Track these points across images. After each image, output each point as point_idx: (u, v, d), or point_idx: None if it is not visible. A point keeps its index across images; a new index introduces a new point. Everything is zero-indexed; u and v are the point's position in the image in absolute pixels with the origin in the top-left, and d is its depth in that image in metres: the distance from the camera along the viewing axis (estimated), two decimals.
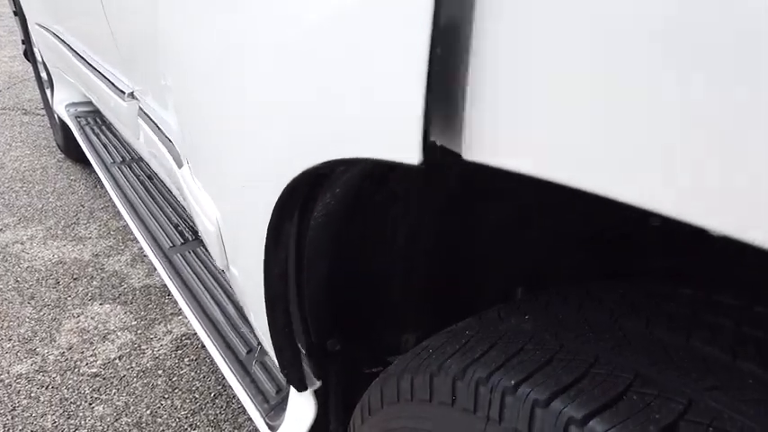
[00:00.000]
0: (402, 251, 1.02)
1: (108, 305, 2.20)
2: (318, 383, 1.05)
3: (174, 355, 1.97)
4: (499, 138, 0.40)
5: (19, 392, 1.83)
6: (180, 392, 1.82)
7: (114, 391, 1.83)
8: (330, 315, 0.99)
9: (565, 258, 1.13)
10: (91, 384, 1.86)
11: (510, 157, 0.40)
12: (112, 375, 1.89)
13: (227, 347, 1.35)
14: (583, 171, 0.36)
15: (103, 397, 1.81)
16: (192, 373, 1.90)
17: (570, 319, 0.65)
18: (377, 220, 0.95)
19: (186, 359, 1.95)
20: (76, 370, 1.92)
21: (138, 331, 2.07)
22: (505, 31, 0.38)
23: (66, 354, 1.99)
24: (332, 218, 0.81)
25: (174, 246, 1.74)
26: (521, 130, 0.38)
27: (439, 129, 0.45)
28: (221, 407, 1.77)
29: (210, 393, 1.82)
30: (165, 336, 2.05)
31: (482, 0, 0.38)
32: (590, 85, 0.34)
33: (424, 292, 1.11)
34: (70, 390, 1.84)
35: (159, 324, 2.10)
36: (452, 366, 0.63)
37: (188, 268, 1.63)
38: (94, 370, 1.92)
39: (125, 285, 2.32)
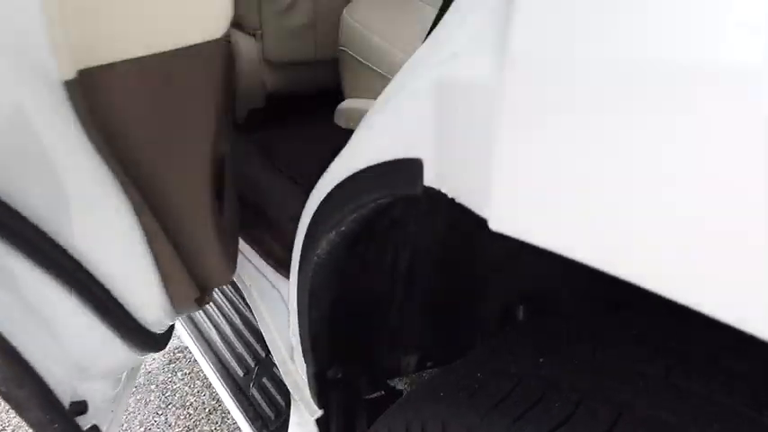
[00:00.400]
0: (403, 275, 1.01)
1: None
2: (320, 412, 1.03)
3: (166, 369, 1.94)
4: (521, 216, 0.38)
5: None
6: (174, 408, 1.80)
7: None
8: (331, 344, 0.97)
9: (566, 277, 1.12)
10: None
11: (531, 234, 0.39)
12: None
13: (224, 368, 1.33)
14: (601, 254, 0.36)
15: None
16: (186, 388, 1.87)
17: (587, 365, 0.63)
18: (378, 246, 0.93)
19: (179, 373, 1.92)
20: None
21: None
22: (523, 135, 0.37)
23: None
24: (334, 254, 0.79)
25: None
26: (541, 212, 0.37)
27: (471, 197, 0.44)
28: (216, 422, 1.75)
29: (205, 409, 1.79)
30: None
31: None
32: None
33: (426, 313, 1.10)
34: None
35: None
36: (467, 416, 0.61)
37: None
38: None
39: None
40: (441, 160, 0.49)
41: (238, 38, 1.58)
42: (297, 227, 1.39)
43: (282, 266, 1.29)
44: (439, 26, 0.55)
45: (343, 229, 0.73)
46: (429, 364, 1.19)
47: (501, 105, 0.38)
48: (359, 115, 1.45)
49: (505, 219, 0.40)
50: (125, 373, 1.16)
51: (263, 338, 1.24)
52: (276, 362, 1.11)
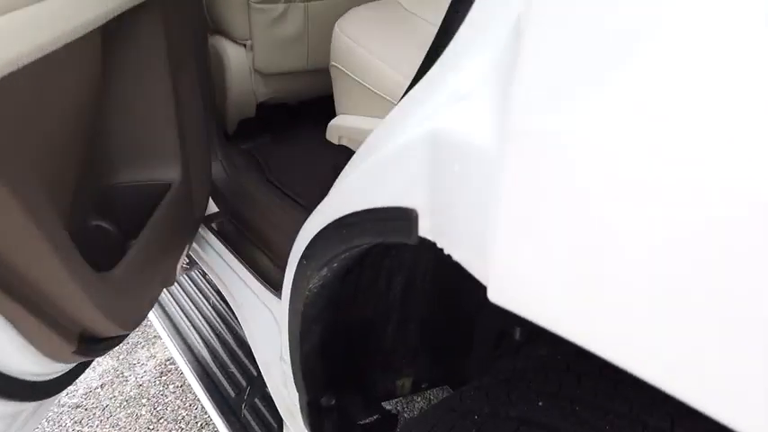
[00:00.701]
0: (398, 299, 0.98)
1: None
2: None
3: (158, 382, 1.91)
4: (521, 294, 0.36)
5: None
6: (165, 422, 1.77)
7: (97, 422, 1.78)
8: (324, 373, 0.94)
9: None
10: (72, 416, 1.80)
11: (531, 313, 0.37)
12: (95, 406, 1.83)
13: (215, 388, 1.31)
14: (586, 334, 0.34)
15: (86, 429, 1.75)
16: (178, 401, 1.84)
17: (587, 411, 0.61)
18: (371, 273, 0.91)
19: (171, 386, 1.90)
20: (57, 401, 1.85)
21: (121, 357, 2.01)
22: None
23: None
24: (327, 287, 0.76)
25: None
26: (541, 293, 0.35)
27: (469, 260, 0.41)
28: None
29: (197, 423, 1.77)
30: (148, 361, 1.99)
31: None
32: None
33: (420, 336, 1.08)
34: (50, 422, 1.78)
35: (142, 348, 2.04)
36: None
37: (173, 301, 1.57)
38: (75, 400, 1.86)
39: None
40: (436, 215, 0.47)
41: (228, 48, 1.55)
42: (288, 243, 1.36)
43: (274, 285, 1.26)
44: (436, 66, 0.52)
45: (335, 265, 0.71)
46: (424, 385, 1.17)
47: (500, 175, 0.36)
48: (351, 133, 1.43)
49: (504, 293, 0.37)
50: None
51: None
52: (269, 387, 1.09)
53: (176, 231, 1.23)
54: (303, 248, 0.72)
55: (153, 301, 1.22)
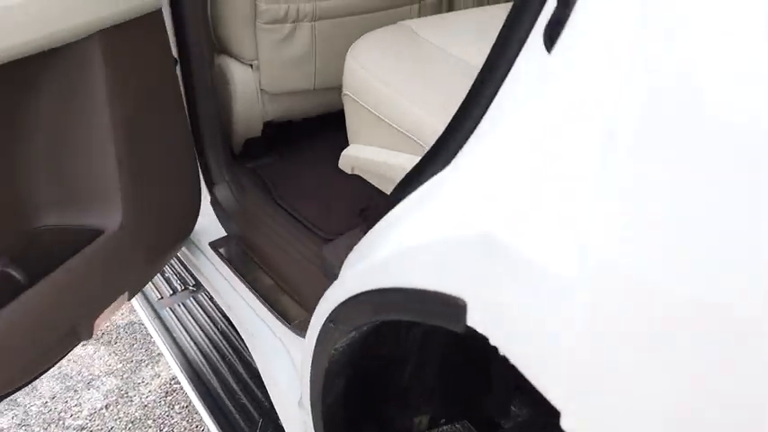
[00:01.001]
0: (417, 343, 0.96)
1: (91, 346, 2.11)
2: None
3: (163, 402, 1.89)
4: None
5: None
6: None
7: None
8: (345, 422, 0.92)
9: None
10: None
11: None
12: (99, 428, 1.81)
13: (227, 422, 1.28)
14: None
15: None
16: (184, 423, 1.82)
17: None
18: (392, 323, 0.88)
19: (177, 406, 1.87)
20: (61, 422, 1.83)
21: (125, 376, 1.98)
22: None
23: (48, 404, 1.89)
24: (353, 346, 0.74)
25: (162, 297, 1.65)
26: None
27: (533, 371, 0.39)
28: None
29: None
30: (152, 380, 1.97)
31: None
32: None
33: (439, 377, 1.06)
34: None
35: (146, 366, 2.01)
36: None
37: (180, 326, 1.54)
38: (80, 422, 1.83)
39: (108, 323, 2.22)
40: (491, 313, 0.44)
41: (234, 68, 1.52)
42: (297, 268, 1.33)
43: (285, 315, 1.24)
44: (485, 152, 0.49)
45: (364, 329, 0.68)
46: (442, 421, 1.16)
47: (576, 305, 0.33)
48: (365, 164, 1.40)
49: (584, 427, 0.35)
50: None
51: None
52: (286, 430, 1.07)
53: (99, 283, 1.10)
54: (330, 311, 0.70)
55: (48, 359, 1.12)
